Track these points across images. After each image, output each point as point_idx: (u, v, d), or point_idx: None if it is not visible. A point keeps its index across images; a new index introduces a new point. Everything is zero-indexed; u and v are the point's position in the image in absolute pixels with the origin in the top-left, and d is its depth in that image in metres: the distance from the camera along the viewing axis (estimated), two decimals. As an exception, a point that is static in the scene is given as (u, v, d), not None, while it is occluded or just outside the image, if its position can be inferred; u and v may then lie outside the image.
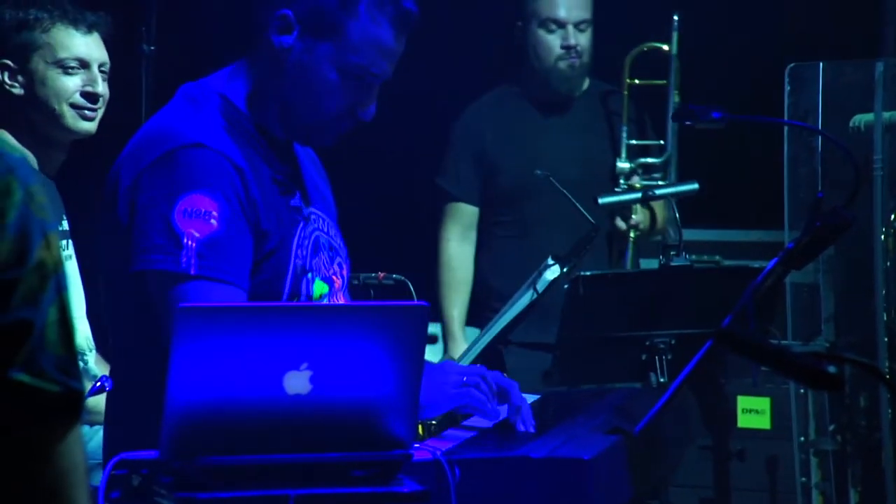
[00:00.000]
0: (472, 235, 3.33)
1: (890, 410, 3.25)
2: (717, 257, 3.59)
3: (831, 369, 1.28)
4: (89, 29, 2.45)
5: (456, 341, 3.26)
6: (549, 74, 3.29)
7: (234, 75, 1.89)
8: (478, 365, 1.87)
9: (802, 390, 3.37)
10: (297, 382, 1.50)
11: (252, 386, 1.49)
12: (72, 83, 2.43)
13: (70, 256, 2.53)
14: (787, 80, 3.37)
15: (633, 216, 3.26)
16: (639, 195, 2.95)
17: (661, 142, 3.43)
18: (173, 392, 1.47)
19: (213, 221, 1.74)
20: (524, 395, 1.89)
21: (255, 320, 1.50)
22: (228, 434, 1.49)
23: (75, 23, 2.43)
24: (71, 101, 2.43)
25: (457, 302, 3.27)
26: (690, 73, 3.53)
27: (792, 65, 3.38)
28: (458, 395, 1.76)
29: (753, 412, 3.43)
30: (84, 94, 2.44)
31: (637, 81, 3.45)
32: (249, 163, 1.82)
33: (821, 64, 3.35)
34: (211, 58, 2.00)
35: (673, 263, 2.54)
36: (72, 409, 0.95)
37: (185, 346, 1.46)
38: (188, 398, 1.47)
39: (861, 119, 3.31)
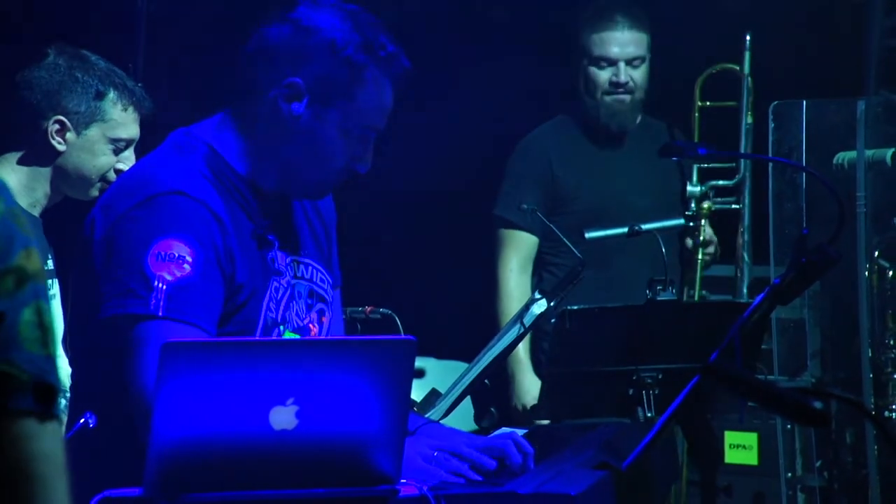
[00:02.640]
0: (531, 266, 3.29)
1: (876, 447, 3.25)
2: (704, 292, 3.61)
3: (818, 405, 1.28)
4: (145, 111, 2.53)
5: (522, 365, 3.19)
6: (598, 109, 3.27)
7: (223, 126, 1.89)
8: (462, 434, 1.85)
9: (789, 426, 3.37)
10: (284, 418, 1.49)
11: (238, 421, 1.48)
12: (112, 159, 2.50)
13: (55, 295, 2.54)
14: (770, 117, 3.40)
15: (701, 236, 3.24)
16: (625, 230, 2.96)
17: (733, 164, 3.41)
18: (158, 428, 1.46)
19: (186, 266, 1.75)
20: (512, 429, 1.88)
21: (241, 356, 1.50)
22: (214, 470, 1.48)
23: (139, 105, 2.50)
24: (106, 175, 2.50)
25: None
26: (678, 109, 3.55)
27: (775, 102, 3.41)
28: (423, 470, 1.73)
29: (740, 447, 3.42)
30: (117, 171, 2.51)
31: (708, 103, 3.43)
32: (230, 214, 1.83)
33: (804, 102, 3.39)
34: (198, 97, 2.01)
35: (659, 298, 2.55)
36: (44, 399, 0.94)
37: (171, 382, 1.45)
38: (173, 435, 1.46)
39: (844, 157, 3.34)
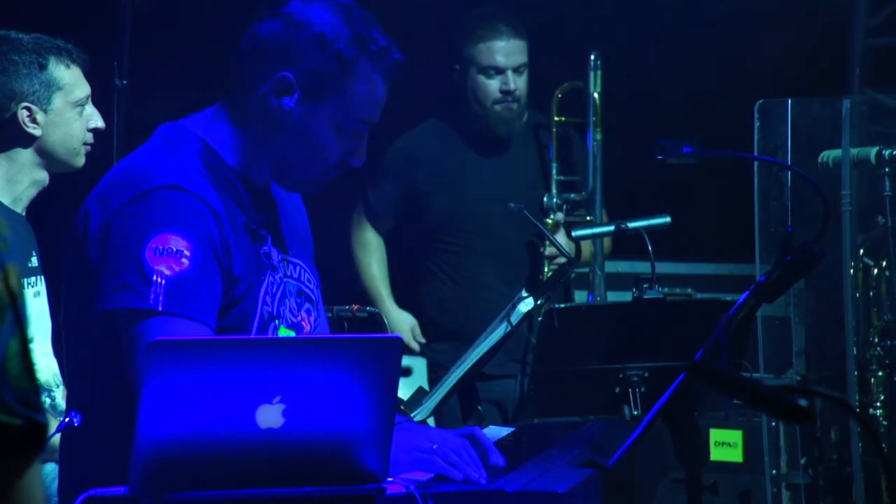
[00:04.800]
0: (381, 237, 3.51)
1: (861, 444, 3.26)
2: (690, 290, 3.62)
3: (803, 402, 1.29)
4: (84, 65, 2.50)
5: (384, 302, 3.41)
6: (488, 117, 3.38)
7: (215, 120, 1.89)
8: (453, 431, 1.85)
9: (774, 423, 3.38)
10: (270, 416, 1.49)
11: (224, 420, 1.48)
12: (83, 122, 2.48)
13: (39, 293, 2.52)
14: (756, 115, 3.41)
15: (546, 250, 3.33)
16: (611, 228, 2.97)
17: (578, 177, 3.52)
18: (144, 427, 1.45)
19: (184, 260, 1.74)
20: (499, 427, 1.88)
21: (228, 354, 1.49)
22: (200, 469, 1.48)
23: (78, 60, 2.48)
24: (84, 139, 2.49)
25: (374, 262, 3.45)
26: (662, 110, 3.56)
27: (761, 101, 3.42)
28: (424, 461, 1.73)
29: (726, 445, 3.44)
30: (90, 130, 2.50)
31: (564, 118, 3.52)
32: (225, 207, 1.82)
33: (789, 100, 3.40)
34: (183, 93, 2.01)
35: (646, 296, 2.55)
36: (35, 442, 0.94)
37: (156, 380, 1.45)
38: (159, 433, 1.46)
39: (829, 155, 3.36)
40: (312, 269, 1.98)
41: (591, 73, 3.53)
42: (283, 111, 1.84)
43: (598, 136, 3.53)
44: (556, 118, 3.51)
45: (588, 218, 3.50)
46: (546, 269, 3.35)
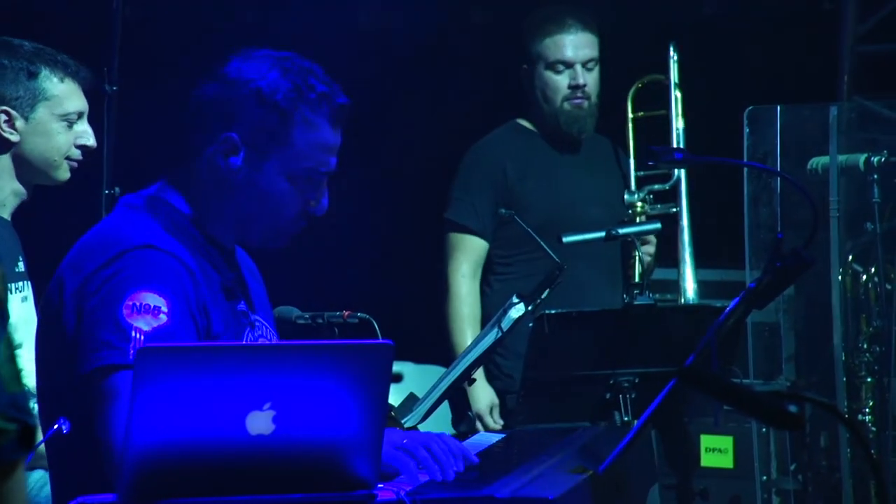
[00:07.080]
0: (480, 271, 3.27)
1: (849, 450, 3.28)
2: (650, 293, 3.61)
3: (792, 408, 1.29)
4: (83, 82, 2.49)
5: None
6: (558, 116, 3.26)
7: (172, 188, 1.89)
8: (431, 433, 1.85)
9: (764, 429, 3.39)
10: (260, 423, 1.49)
11: (214, 427, 1.48)
12: (71, 136, 2.46)
13: (26, 298, 2.51)
14: (745, 122, 3.42)
15: (649, 247, 3.24)
16: (602, 234, 2.96)
17: (665, 170, 3.42)
18: (134, 434, 1.45)
19: (162, 316, 1.73)
20: (489, 433, 1.88)
21: (218, 361, 1.49)
22: (189, 476, 1.48)
23: (76, 76, 2.47)
24: (68, 154, 2.46)
25: (470, 337, 3.15)
26: (652, 116, 3.57)
27: (750, 107, 3.43)
28: (390, 454, 1.73)
29: (716, 451, 3.44)
30: (79, 146, 2.47)
31: (641, 114, 3.47)
32: (199, 266, 1.83)
33: (778, 107, 3.42)
34: (173, 98, 2.00)
35: (636, 302, 2.56)
36: (26, 444, 0.95)
37: (146, 387, 1.45)
38: (148, 440, 1.46)
39: (818, 161, 3.38)
40: (274, 328, 1.98)
41: (672, 63, 3.46)
42: (230, 171, 1.85)
43: (681, 125, 3.46)
44: (631, 115, 3.43)
45: (673, 209, 3.42)
46: (637, 254, 3.19)
